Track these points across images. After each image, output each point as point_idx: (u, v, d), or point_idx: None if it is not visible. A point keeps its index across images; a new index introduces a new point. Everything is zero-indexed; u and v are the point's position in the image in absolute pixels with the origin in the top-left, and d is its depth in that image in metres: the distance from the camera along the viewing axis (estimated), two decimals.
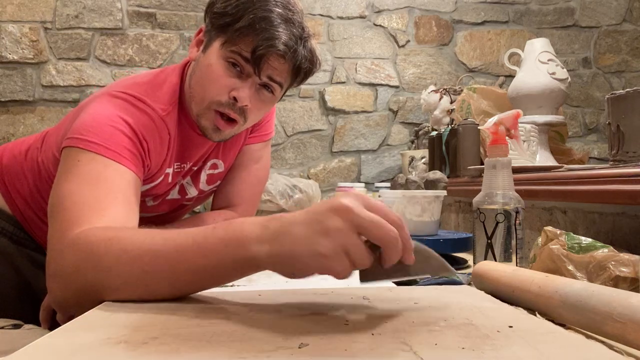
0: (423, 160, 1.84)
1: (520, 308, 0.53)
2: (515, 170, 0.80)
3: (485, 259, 0.71)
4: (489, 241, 0.72)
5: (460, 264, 0.98)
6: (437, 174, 1.18)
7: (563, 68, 1.53)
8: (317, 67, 0.89)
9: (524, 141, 1.35)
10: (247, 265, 0.50)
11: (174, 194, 0.98)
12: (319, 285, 0.61)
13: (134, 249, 0.53)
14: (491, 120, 1.39)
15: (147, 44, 2.20)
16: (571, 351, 0.38)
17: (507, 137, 1.29)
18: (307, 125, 2.28)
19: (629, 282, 0.58)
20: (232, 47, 0.81)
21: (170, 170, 0.92)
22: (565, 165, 1.34)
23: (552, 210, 0.96)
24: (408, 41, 2.34)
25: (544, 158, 1.44)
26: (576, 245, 0.65)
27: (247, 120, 0.87)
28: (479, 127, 1.48)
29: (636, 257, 0.59)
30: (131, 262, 0.53)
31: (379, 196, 1.08)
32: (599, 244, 0.64)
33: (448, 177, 1.43)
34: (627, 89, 0.85)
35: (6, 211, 0.97)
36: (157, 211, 0.98)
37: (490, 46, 2.37)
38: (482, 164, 1.35)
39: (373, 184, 2.16)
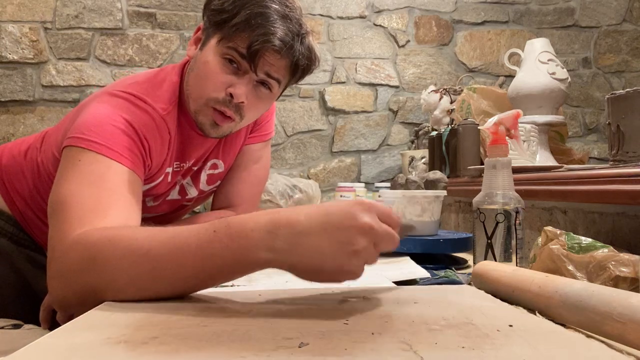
0: (423, 160, 1.84)
1: (520, 307, 0.53)
2: (515, 170, 0.80)
3: (485, 259, 0.71)
4: (489, 241, 0.72)
5: (460, 264, 0.98)
6: (437, 174, 1.17)
7: (563, 68, 1.53)
8: (315, 65, 0.88)
9: (524, 141, 1.35)
10: (253, 269, 0.51)
11: (174, 195, 0.98)
12: (319, 285, 0.61)
13: (136, 250, 0.53)
14: (491, 120, 1.39)
15: (147, 44, 2.20)
16: (571, 350, 0.39)
17: (507, 137, 1.29)
18: (307, 125, 2.28)
19: (629, 282, 0.58)
20: (228, 43, 0.81)
21: (170, 170, 0.92)
22: (565, 165, 1.34)
23: (552, 210, 0.96)
24: (408, 41, 2.34)
25: (544, 158, 1.44)
26: (576, 245, 0.65)
27: (244, 118, 0.87)
28: (479, 127, 1.47)
29: (636, 257, 0.59)
30: (133, 263, 0.53)
31: (379, 196, 1.08)
32: (599, 244, 0.64)
33: (448, 177, 1.43)
34: (627, 89, 0.85)
35: (6, 211, 0.97)
36: (157, 211, 0.98)
37: (490, 46, 2.37)
38: (482, 164, 1.35)
39: (373, 184, 2.16)
